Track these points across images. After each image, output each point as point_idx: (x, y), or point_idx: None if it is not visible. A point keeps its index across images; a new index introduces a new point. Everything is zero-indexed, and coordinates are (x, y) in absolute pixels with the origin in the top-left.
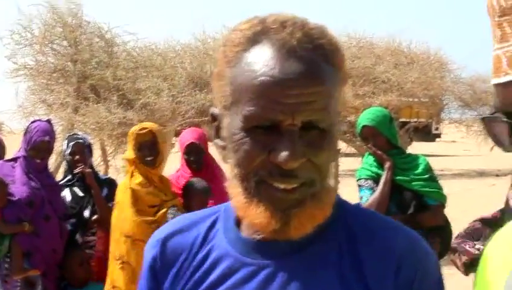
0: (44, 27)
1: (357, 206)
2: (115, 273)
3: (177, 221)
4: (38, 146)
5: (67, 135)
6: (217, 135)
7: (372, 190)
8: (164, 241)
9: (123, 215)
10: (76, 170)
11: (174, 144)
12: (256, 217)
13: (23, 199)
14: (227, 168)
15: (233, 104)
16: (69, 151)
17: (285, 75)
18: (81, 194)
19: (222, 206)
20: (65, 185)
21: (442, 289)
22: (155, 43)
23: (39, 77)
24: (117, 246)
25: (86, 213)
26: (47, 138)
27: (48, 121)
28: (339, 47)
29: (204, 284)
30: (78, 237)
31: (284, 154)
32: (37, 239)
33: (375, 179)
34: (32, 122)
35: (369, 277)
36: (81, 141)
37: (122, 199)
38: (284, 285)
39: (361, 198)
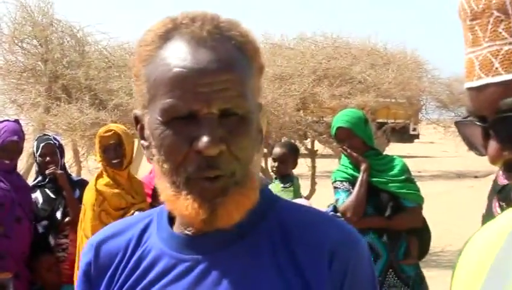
0: (13, 25)
1: (290, 201)
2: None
3: (111, 226)
4: (7, 146)
5: (38, 135)
6: (142, 135)
7: (349, 192)
8: (98, 246)
9: (85, 217)
10: (48, 171)
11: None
12: (184, 208)
13: None
14: (154, 166)
15: (151, 101)
16: (39, 152)
17: (197, 64)
18: (52, 195)
19: (157, 208)
20: (36, 187)
21: (374, 281)
22: (128, 42)
23: (9, 76)
24: (80, 248)
25: (58, 215)
26: (15, 138)
27: (17, 121)
28: (252, 39)
29: (141, 285)
30: (50, 239)
31: (203, 141)
32: (8, 241)
33: (351, 181)
34: (0, 122)
35: (305, 268)
36: (51, 141)
37: (86, 200)
38: (220, 278)
39: (337, 200)
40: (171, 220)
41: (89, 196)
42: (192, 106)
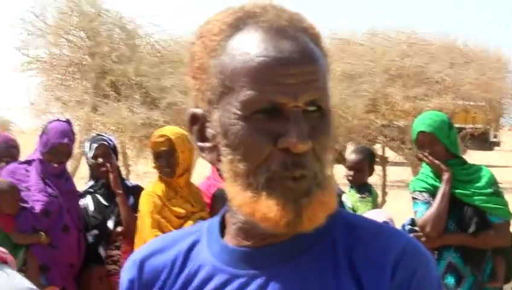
0: (59, 16)
1: (349, 212)
2: None
3: (156, 240)
4: (56, 149)
5: (91, 136)
6: (201, 137)
7: (428, 203)
8: (142, 263)
9: (143, 225)
10: (101, 169)
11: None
12: (268, 210)
13: (39, 207)
14: (223, 168)
15: (224, 95)
16: (92, 154)
17: (282, 54)
18: (105, 202)
19: (205, 222)
20: (87, 193)
21: None
22: (182, 35)
23: (53, 71)
24: None
25: (110, 224)
26: (66, 140)
27: (67, 122)
28: (321, 33)
29: None
30: (101, 250)
31: (293, 137)
32: (55, 252)
33: (432, 192)
34: (49, 122)
35: (367, 283)
36: (106, 142)
37: (143, 206)
38: None
39: (415, 212)
40: (222, 233)
41: (146, 203)
42: (278, 99)
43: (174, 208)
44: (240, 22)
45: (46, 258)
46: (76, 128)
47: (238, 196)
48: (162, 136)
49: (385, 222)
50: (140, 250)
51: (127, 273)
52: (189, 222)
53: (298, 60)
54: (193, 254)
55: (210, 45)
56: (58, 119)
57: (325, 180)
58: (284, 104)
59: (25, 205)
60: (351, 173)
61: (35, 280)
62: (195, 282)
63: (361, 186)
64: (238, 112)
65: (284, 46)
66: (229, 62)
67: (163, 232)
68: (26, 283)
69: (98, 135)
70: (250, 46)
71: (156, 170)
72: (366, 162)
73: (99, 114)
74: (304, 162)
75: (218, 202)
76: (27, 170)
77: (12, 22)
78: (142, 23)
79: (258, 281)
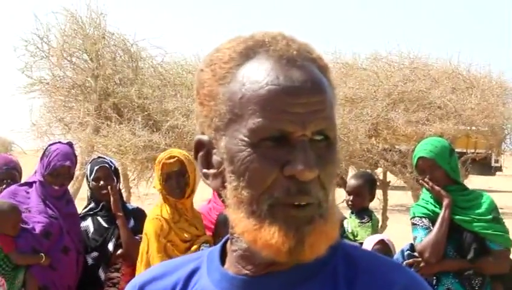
0: (62, 38)
1: (350, 243)
2: None
3: (157, 266)
4: (58, 171)
5: (92, 158)
6: (206, 163)
7: (428, 229)
8: (142, 288)
9: (151, 249)
10: (103, 192)
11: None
12: (270, 237)
13: (39, 229)
14: (227, 195)
15: (232, 122)
16: (93, 176)
17: (292, 83)
18: (105, 225)
19: (206, 250)
20: (88, 215)
21: None
22: (185, 58)
23: (56, 93)
24: None
25: (110, 246)
26: (68, 163)
27: (69, 144)
28: (328, 64)
29: None
30: (100, 272)
31: (299, 165)
32: (54, 273)
33: (432, 218)
34: (51, 144)
35: None
36: (107, 165)
37: (149, 230)
38: None
39: (415, 238)
40: (222, 260)
41: (153, 226)
42: (286, 127)
43: (180, 232)
44: (250, 51)
45: (46, 279)
46: (78, 150)
47: (241, 223)
48: (172, 157)
49: (381, 240)
50: (141, 275)
51: None
52: (195, 246)
53: (307, 90)
54: (192, 281)
55: (220, 72)
56: (59, 142)
57: (328, 210)
58: (292, 133)
59: (26, 226)
60: (350, 197)
61: None
62: None
63: (361, 211)
64: (246, 139)
65: (294, 75)
66: (239, 90)
67: (170, 256)
68: None
69: (100, 157)
70: (260, 75)
71: (163, 192)
72: (367, 188)
73: (101, 136)
74: (309, 189)
75: (221, 227)
76: (27, 192)
77: (16, 43)
78: (145, 46)
79: None
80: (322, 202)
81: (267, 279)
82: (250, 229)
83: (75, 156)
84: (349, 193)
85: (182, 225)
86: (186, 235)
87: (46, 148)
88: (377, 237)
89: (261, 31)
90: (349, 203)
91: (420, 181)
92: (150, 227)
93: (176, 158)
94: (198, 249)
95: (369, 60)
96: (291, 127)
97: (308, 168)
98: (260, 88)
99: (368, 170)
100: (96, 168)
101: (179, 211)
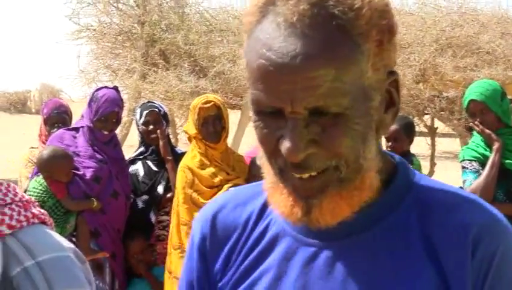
0: None
1: (429, 179)
2: (175, 264)
3: (228, 194)
4: (106, 117)
5: (142, 103)
6: None
7: (478, 173)
8: (214, 218)
9: (178, 201)
10: (152, 136)
11: (249, 117)
12: (279, 204)
13: (90, 174)
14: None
15: (248, 81)
16: (143, 120)
17: (282, 58)
18: (155, 168)
19: None
20: (138, 159)
21: None
22: (231, 4)
23: (103, 39)
24: (176, 234)
25: (160, 189)
26: (116, 109)
27: (115, 89)
28: (365, 12)
29: (261, 267)
30: (151, 215)
31: (286, 146)
32: (104, 217)
33: (482, 162)
34: (97, 89)
35: (442, 255)
36: (156, 109)
37: (177, 183)
38: (347, 268)
39: (464, 181)
40: None
41: (179, 178)
42: (276, 103)
43: (207, 178)
44: (266, 7)
45: (97, 223)
46: (125, 97)
47: (266, 177)
48: (208, 101)
49: None
50: (212, 204)
51: (198, 228)
52: (221, 191)
53: (299, 66)
54: (266, 212)
55: (246, 25)
56: (106, 87)
57: (352, 173)
58: (282, 109)
59: (76, 171)
60: (390, 143)
61: (87, 245)
62: (264, 242)
63: (402, 155)
64: (251, 105)
65: (288, 48)
66: (247, 52)
67: (196, 205)
68: (65, 243)
69: (149, 102)
70: (258, 43)
71: (197, 136)
72: (403, 131)
73: (148, 82)
74: (309, 163)
75: (254, 166)
76: (74, 137)
77: None
78: None
79: (328, 252)
80: (339, 166)
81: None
82: (268, 189)
83: (122, 101)
84: (387, 139)
85: (210, 171)
86: (213, 181)
87: (93, 93)
88: None
89: None
90: (388, 148)
91: (470, 124)
92: (177, 179)
93: (213, 103)
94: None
95: (417, 5)
96: (279, 103)
97: (292, 150)
98: (255, 60)
99: (409, 116)
100: (145, 112)
101: (208, 157)
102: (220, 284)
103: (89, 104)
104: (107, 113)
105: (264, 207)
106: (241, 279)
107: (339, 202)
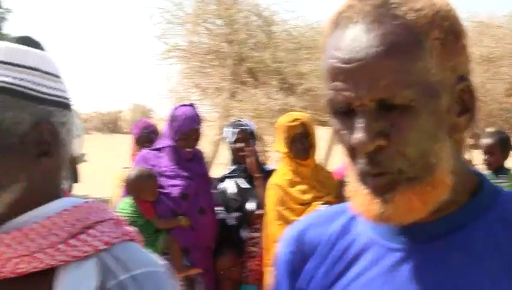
0: (196, 4)
1: None
2: (269, 281)
3: (315, 214)
4: (187, 134)
5: (231, 121)
6: None
7: None
8: (299, 236)
9: (268, 219)
10: (241, 153)
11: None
12: (359, 204)
13: (177, 191)
14: None
15: (324, 89)
16: (232, 139)
17: (348, 53)
18: (245, 185)
19: None
20: (227, 177)
21: None
22: (317, 21)
23: (192, 59)
24: (268, 252)
25: (250, 207)
26: (196, 126)
27: (192, 105)
28: (426, 12)
29: (347, 275)
30: (242, 232)
31: (355, 137)
32: (193, 234)
33: None
34: (175, 108)
35: None
36: (244, 127)
37: (267, 201)
38: (435, 272)
39: None
40: None
41: (269, 196)
42: (345, 99)
43: (297, 196)
44: (337, 19)
45: (187, 241)
46: (215, 115)
47: (349, 185)
48: (295, 119)
49: None
50: (300, 222)
51: (286, 244)
52: (311, 208)
53: (362, 58)
54: (351, 227)
55: (322, 42)
56: (183, 105)
57: (419, 171)
58: (351, 104)
59: (162, 190)
60: (486, 157)
61: (179, 262)
62: (349, 254)
63: (498, 170)
64: (327, 109)
65: (353, 44)
66: (323, 62)
67: (287, 221)
68: (157, 259)
69: (237, 120)
70: (330, 49)
71: (287, 154)
72: (499, 145)
73: (237, 100)
74: (380, 159)
75: (341, 185)
76: (158, 157)
77: (152, 11)
78: (278, 10)
79: (414, 257)
80: (402, 169)
81: (425, 225)
82: (351, 193)
83: (200, 117)
84: (483, 153)
85: (301, 188)
86: (304, 197)
87: (173, 112)
88: None
89: None
90: (484, 162)
91: None
92: (267, 197)
93: (299, 120)
94: (314, 209)
95: (507, 18)
96: (348, 98)
97: (361, 140)
98: (326, 65)
99: (500, 129)
100: (234, 131)
101: (299, 174)
102: None
103: (170, 124)
104: (187, 131)
105: (350, 223)
106: (329, 287)
107: (411, 197)
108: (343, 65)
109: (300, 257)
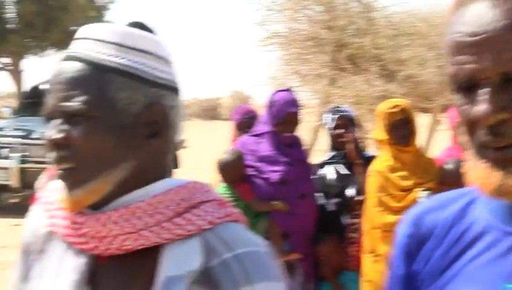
0: None
1: None
2: (368, 267)
3: (434, 198)
4: (286, 119)
5: (331, 107)
6: None
7: None
8: (419, 219)
9: (368, 205)
10: (340, 139)
11: (439, 120)
12: (477, 178)
13: (276, 177)
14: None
15: (447, 66)
16: (332, 125)
17: (472, 27)
18: (344, 171)
19: None
20: (327, 163)
21: None
22: (417, 7)
23: (291, 45)
24: (368, 238)
25: (350, 192)
26: (294, 109)
27: (289, 90)
28: None
29: (463, 257)
30: (342, 218)
31: (478, 109)
32: (294, 219)
33: None
34: (273, 94)
35: None
36: (345, 113)
37: (368, 188)
38: None
39: None
40: None
41: (369, 183)
42: (469, 72)
43: (398, 182)
44: (460, 2)
45: (287, 225)
46: (314, 102)
47: (466, 164)
48: (396, 106)
49: None
50: (418, 207)
51: (404, 228)
52: (412, 194)
53: (486, 31)
54: (469, 211)
55: (449, 13)
56: (281, 90)
57: None
58: (475, 78)
59: (262, 175)
60: None
61: (279, 246)
62: (467, 237)
63: None
64: (451, 85)
65: (477, 18)
66: (446, 40)
67: (388, 208)
68: (261, 239)
69: (337, 106)
70: (454, 26)
71: (388, 141)
72: None
73: (337, 87)
74: (503, 131)
75: (441, 173)
76: (258, 142)
77: None
78: None
79: None
80: None
81: None
82: (469, 169)
83: (298, 101)
84: None
85: (401, 174)
86: (405, 184)
87: (271, 98)
88: None
89: None
90: None
91: None
92: (367, 184)
93: (400, 107)
94: (415, 196)
95: None
96: (473, 72)
97: (484, 112)
98: (449, 38)
99: None
100: (334, 117)
101: (400, 160)
102: (421, 277)
103: (269, 109)
104: (285, 116)
105: (467, 207)
106: (445, 269)
107: None
108: (469, 38)
109: (418, 240)
